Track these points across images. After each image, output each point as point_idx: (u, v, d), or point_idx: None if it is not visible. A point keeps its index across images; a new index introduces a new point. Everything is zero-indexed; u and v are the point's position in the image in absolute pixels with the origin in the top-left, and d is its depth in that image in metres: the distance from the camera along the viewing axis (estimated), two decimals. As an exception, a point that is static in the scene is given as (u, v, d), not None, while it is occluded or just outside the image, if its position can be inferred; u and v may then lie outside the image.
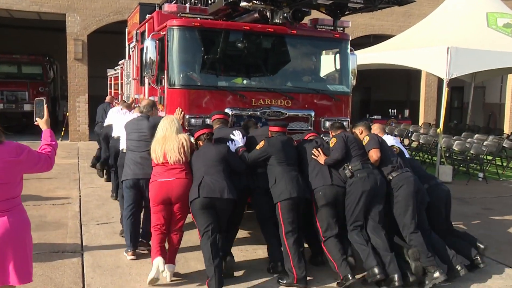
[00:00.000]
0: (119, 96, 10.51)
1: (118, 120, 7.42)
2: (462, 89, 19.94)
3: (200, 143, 4.71)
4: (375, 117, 17.10)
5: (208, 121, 5.34)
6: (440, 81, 14.38)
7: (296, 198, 4.51)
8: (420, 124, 15.94)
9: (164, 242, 4.54)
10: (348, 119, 6.12)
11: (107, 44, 17.42)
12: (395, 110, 17.63)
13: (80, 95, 14.79)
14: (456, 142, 10.86)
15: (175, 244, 4.54)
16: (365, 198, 4.52)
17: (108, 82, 13.86)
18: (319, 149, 4.82)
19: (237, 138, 4.86)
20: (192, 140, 4.82)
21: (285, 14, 5.31)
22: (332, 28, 6.14)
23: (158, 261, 4.39)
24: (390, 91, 22.55)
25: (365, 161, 4.68)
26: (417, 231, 4.54)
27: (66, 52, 14.64)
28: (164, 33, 5.63)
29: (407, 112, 17.97)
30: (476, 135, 12.05)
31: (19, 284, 2.85)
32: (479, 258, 4.78)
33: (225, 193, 4.32)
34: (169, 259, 4.49)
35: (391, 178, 4.68)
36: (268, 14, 5.43)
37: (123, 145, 5.63)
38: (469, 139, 11.40)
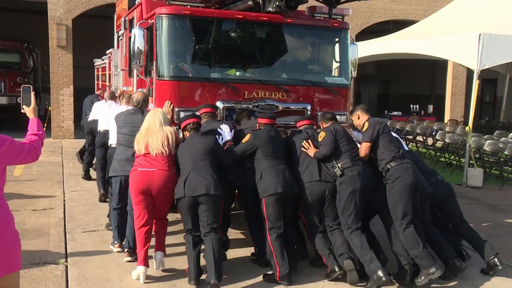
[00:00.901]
0: (107, 88, 10.69)
1: (104, 112, 7.60)
2: (495, 81, 19.98)
3: (187, 133, 5.10)
4: (395, 113, 17.25)
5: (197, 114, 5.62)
6: (469, 72, 14.45)
7: (282, 193, 4.89)
8: (446, 121, 16.04)
9: (148, 243, 4.92)
10: (347, 113, 6.47)
11: (94, 30, 17.58)
12: (417, 106, 17.74)
13: (64, 87, 14.91)
14: (488, 141, 10.92)
15: (160, 230, 5.04)
16: (356, 197, 4.87)
17: (95, 73, 14.02)
18: (309, 140, 5.15)
19: (225, 132, 5.24)
20: (180, 134, 5.22)
21: (277, 3, 5.58)
22: (329, 16, 6.41)
23: (140, 271, 4.84)
24: (411, 84, 22.61)
25: (355, 157, 5.02)
26: (409, 226, 4.80)
27: (48, 38, 14.69)
28: (152, 21, 5.98)
29: (431, 108, 18.07)
30: (511, 134, 12.09)
31: (8, 273, 3.04)
32: (496, 260, 5.07)
33: (212, 189, 4.72)
34: (158, 247, 5.01)
35: (389, 167, 4.95)
36: (261, 1, 5.63)
37: (112, 140, 5.81)
38: (502, 138, 11.52)
